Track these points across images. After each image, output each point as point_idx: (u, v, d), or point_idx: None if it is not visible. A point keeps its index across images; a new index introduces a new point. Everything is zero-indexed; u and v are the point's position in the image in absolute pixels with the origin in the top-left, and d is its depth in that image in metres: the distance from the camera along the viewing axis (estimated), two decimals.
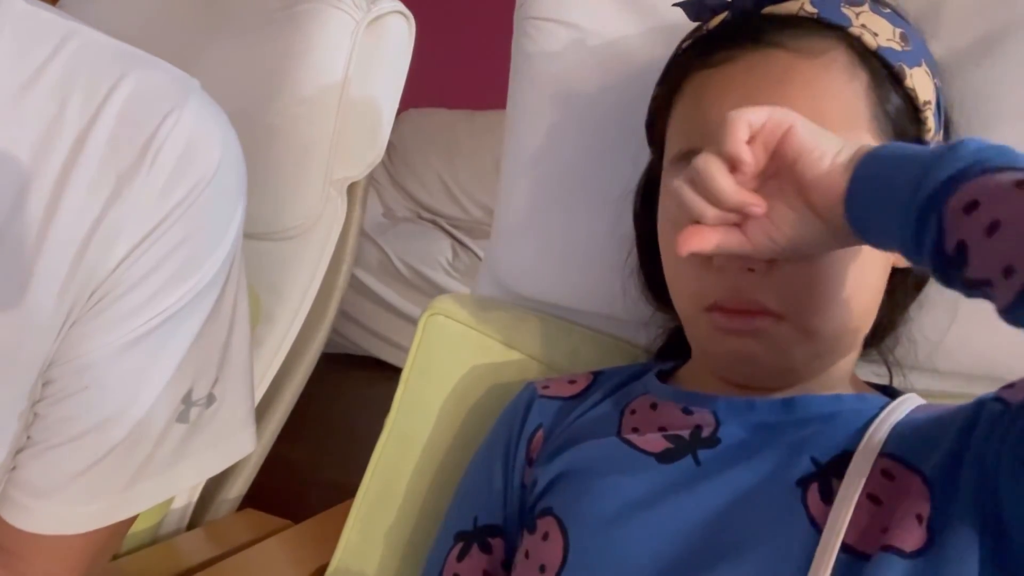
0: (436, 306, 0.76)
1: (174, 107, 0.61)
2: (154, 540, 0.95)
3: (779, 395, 0.56)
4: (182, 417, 0.67)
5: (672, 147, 0.60)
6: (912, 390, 0.58)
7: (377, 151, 1.03)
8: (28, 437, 0.63)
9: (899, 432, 0.51)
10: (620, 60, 0.74)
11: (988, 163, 0.40)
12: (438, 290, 2.13)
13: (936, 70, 0.59)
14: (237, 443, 0.74)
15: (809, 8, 0.56)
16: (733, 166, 0.47)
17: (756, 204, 0.46)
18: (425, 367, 0.75)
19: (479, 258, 2.24)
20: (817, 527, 0.48)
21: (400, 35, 1.03)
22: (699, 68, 0.58)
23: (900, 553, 0.46)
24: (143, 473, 0.66)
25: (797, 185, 0.46)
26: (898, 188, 0.42)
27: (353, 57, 0.97)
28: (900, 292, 0.60)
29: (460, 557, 0.62)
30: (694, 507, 0.52)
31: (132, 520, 0.69)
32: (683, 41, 0.63)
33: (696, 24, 0.63)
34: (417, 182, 2.65)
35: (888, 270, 0.57)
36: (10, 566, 0.65)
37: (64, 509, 0.64)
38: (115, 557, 0.83)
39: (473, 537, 0.62)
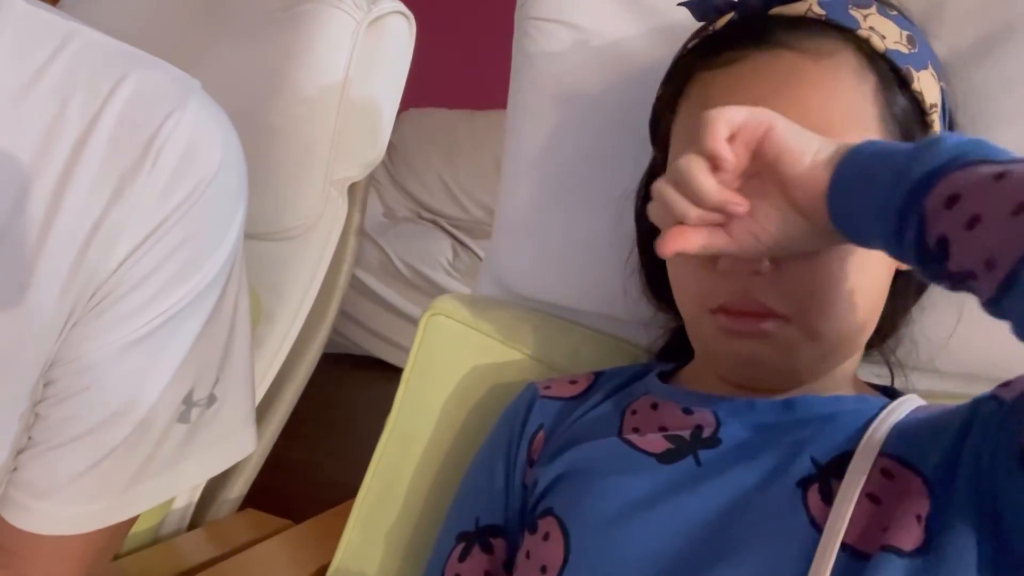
0: (437, 306, 0.76)
1: (175, 107, 0.61)
2: (155, 540, 0.95)
3: (780, 396, 0.56)
4: (183, 417, 0.67)
5: (677, 147, 0.59)
6: (913, 391, 0.58)
7: (378, 151, 1.03)
8: (29, 437, 0.63)
9: (899, 432, 0.51)
10: (621, 60, 0.74)
11: (967, 157, 0.40)
12: (439, 290, 2.13)
13: (942, 72, 0.59)
14: (238, 443, 0.74)
15: (817, 10, 0.56)
16: (715, 166, 0.47)
17: (738, 203, 0.47)
18: (426, 367, 0.75)
19: (479, 258, 2.24)
20: (817, 527, 0.48)
21: (401, 35, 1.03)
22: (705, 68, 0.58)
23: (899, 553, 0.46)
24: (144, 473, 0.66)
25: (779, 183, 0.46)
26: (879, 184, 0.42)
27: (354, 57, 0.97)
28: (902, 294, 0.60)
29: (462, 557, 0.62)
30: (695, 507, 0.52)
31: (133, 520, 0.69)
32: (688, 41, 0.62)
33: (700, 24, 0.63)
34: (418, 182, 2.65)
35: (892, 272, 0.57)
36: (11, 566, 0.65)
37: (65, 509, 0.64)
38: (116, 557, 0.83)
39: (475, 537, 0.62)
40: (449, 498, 0.67)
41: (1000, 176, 0.38)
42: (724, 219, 0.47)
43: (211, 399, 0.69)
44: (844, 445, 0.51)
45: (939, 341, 0.64)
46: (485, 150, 2.53)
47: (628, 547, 0.52)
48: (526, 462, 0.63)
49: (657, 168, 0.66)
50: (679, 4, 0.62)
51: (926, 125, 0.57)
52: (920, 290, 0.63)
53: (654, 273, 0.68)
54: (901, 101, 0.56)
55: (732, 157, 0.47)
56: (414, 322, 0.79)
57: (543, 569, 0.54)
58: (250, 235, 0.74)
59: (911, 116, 0.56)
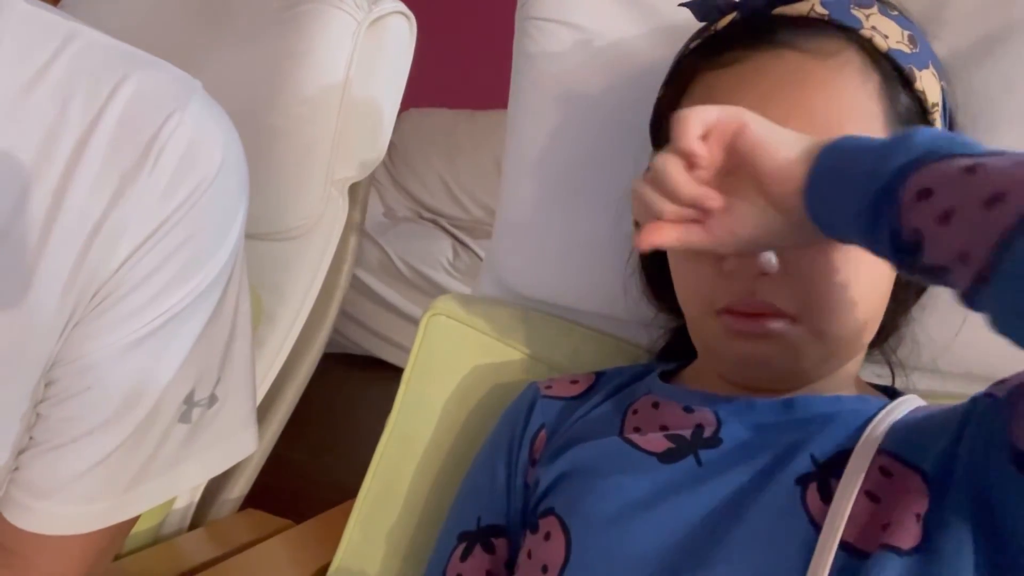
0: (437, 306, 0.76)
1: (176, 108, 0.61)
2: (156, 540, 0.95)
3: (780, 396, 0.56)
4: (184, 417, 0.67)
5: None
6: (914, 391, 0.58)
7: (378, 151, 1.03)
8: (30, 437, 0.63)
9: (897, 430, 0.51)
10: (622, 60, 0.74)
11: (940, 151, 0.40)
12: (439, 290, 2.13)
13: (943, 72, 0.59)
14: (239, 443, 0.74)
15: (820, 9, 0.56)
16: (691, 164, 0.48)
17: (710, 197, 0.47)
18: (426, 367, 0.75)
19: (480, 258, 2.24)
20: (816, 526, 0.48)
21: (401, 35, 1.03)
22: (708, 68, 0.58)
23: (898, 552, 0.46)
24: (145, 473, 0.66)
25: (755, 178, 0.46)
26: (854, 178, 0.42)
27: (354, 57, 0.97)
28: (903, 293, 0.60)
29: (463, 557, 0.62)
30: (695, 507, 0.52)
31: (134, 520, 0.69)
32: (690, 41, 0.62)
33: (702, 25, 0.63)
34: (418, 182, 2.65)
35: (894, 271, 0.57)
36: (12, 566, 0.65)
37: (66, 509, 0.64)
38: (117, 557, 0.83)
39: (476, 537, 0.62)
40: (450, 498, 0.67)
41: (972, 169, 0.38)
42: (700, 215, 0.48)
43: (212, 399, 0.69)
44: (843, 444, 0.51)
45: (941, 341, 0.64)
46: (486, 150, 2.52)
47: (629, 546, 0.52)
48: (527, 461, 0.63)
49: None
50: (680, 4, 0.62)
51: (928, 124, 0.57)
52: (921, 289, 0.63)
53: (654, 273, 0.68)
54: (904, 100, 0.56)
55: (706, 153, 0.47)
56: (415, 322, 0.79)
57: (544, 568, 0.54)
58: (251, 235, 0.74)
59: (914, 115, 0.56)
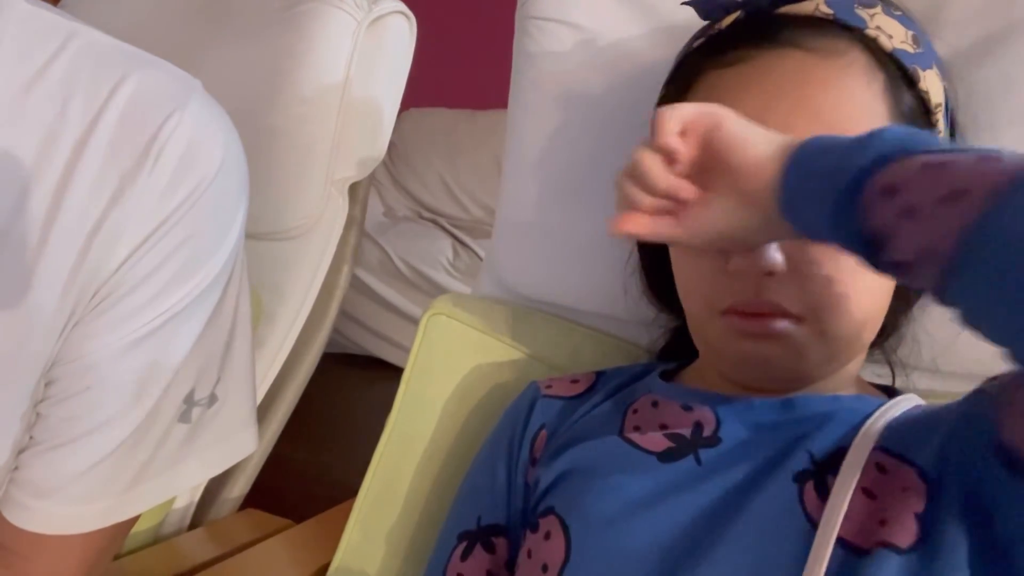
0: (437, 306, 0.76)
1: (176, 108, 0.61)
2: (156, 540, 0.95)
3: (779, 395, 0.56)
4: (184, 417, 0.67)
5: None
6: (915, 390, 0.58)
7: (378, 151, 1.03)
8: (30, 437, 0.63)
9: (893, 427, 0.51)
10: (622, 60, 0.74)
11: (906, 148, 0.41)
12: (439, 290, 2.13)
13: (945, 72, 0.59)
14: (239, 443, 0.74)
15: (825, 9, 0.56)
16: (669, 160, 0.49)
17: (684, 188, 0.49)
18: (426, 367, 0.75)
19: (480, 258, 2.23)
20: (813, 523, 0.48)
21: (401, 35, 1.03)
22: (712, 67, 0.58)
23: (896, 549, 0.46)
24: (145, 473, 0.66)
25: (729, 175, 0.47)
26: (822, 176, 0.43)
27: (354, 57, 0.97)
28: (903, 292, 0.60)
29: (464, 556, 0.62)
30: (695, 506, 0.52)
31: (134, 520, 0.69)
32: (693, 39, 0.62)
33: (703, 23, 0.62)
34: (418, 182, 2.65)
35: None
36: (12, 566, 0.65)
37: (66, 509, 0.64)
38: (117, 557, 0.83)
39: (477, 536, 0.62)
40: (450, 498, 0.67)
41: (936, 166, 0.39)
42: (676, 207, 0.49)
43: (212, 399, 0.69)
44: (840, 441, 0.51)
45: (942, 341, 0.64)
46: (486, 150, 2.52)
47: (629, 546, 0.52)
48: (528, 461, 0.63)
49: None
50: (683, 3, 0.62)
51: (931, 124, 0.57)
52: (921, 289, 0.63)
53: (655, 273, 0.68)
54: (908, 100, 0.56)
55: (683, 149, 0.48)
56: (415, 322, 0.79)
57: (544, 568, 0.54)
58: (251, 235, 0.74)
59: (918, 115, 0.56)
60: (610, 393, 0.64)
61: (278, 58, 0.98)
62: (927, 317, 0.64)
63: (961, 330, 0.56)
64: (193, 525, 1.00)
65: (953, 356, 0.65)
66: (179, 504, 0.98)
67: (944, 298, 0.38)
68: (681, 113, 0.49)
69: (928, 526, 0.46)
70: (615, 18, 0.75)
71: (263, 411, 1.02)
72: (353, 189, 1.04)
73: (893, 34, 0.56)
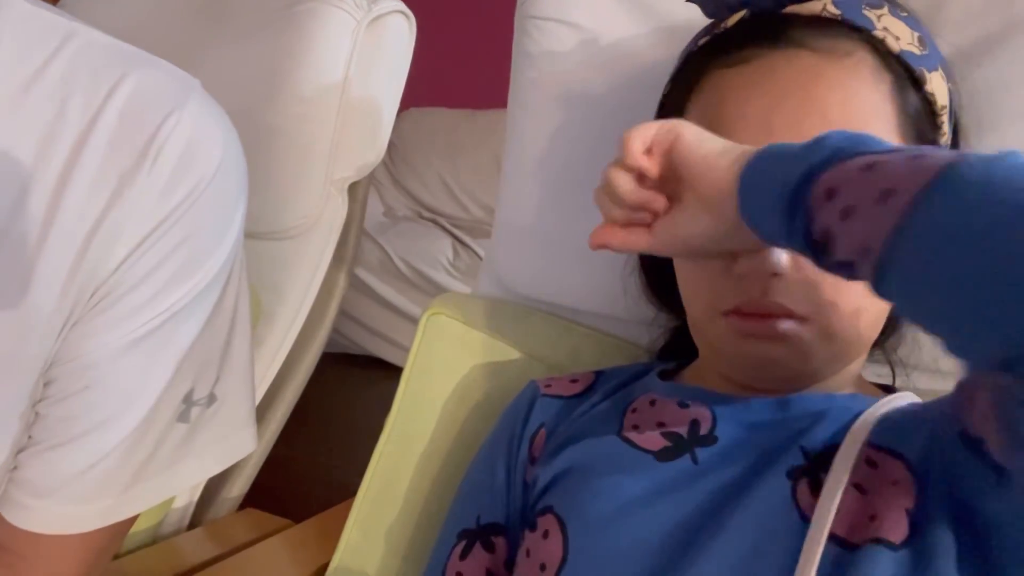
0: (437, 305, 0.76)
1: (175, 107, 0.61)
2: (155, 539, 0.95)
3: (778, 395, 0.56)
4: (183, 417, 0.67)
5: None
6: (915, 390, 0.58)
7: (378, 150, 1.03)
8: (29, 437, 0.63)
9: (884, 422, 0.51)
10: (621, 60, 0.74)
11: (848, 151, 0.42)
12: (439, 289, 2.13)
13: (950, 74, 0.59)
14: (238, 442, 0.74)
15: (832, 9, 0.56)
16: (640, 177, 0.52)
17: (654, 199, 0.51)
18: (426, 366, 0.75)
19: (480, 257, 2.24)
20: (806, 519, 0.48)
21: (401, 34, 1.03)
22: (718, 67, 0.57)
23: (889, 546, 0.46)
24: (144, 473, 0.66)
25: (691, 184, 0.49)
26: (773, 181, 0.44)
27: (354, 56, 0.97)
28: None
29: (463, 555, 0.62)
30: (691, 505, 0.52)
31: (133, 520, 0.69)
32: (698, 38, 0.62)
33: (706, 22, 0.62)
34: (418, 181, 2.65)
35: None
36: (11, 566, 0.65)
37: (65, 509, 0.64)
38: (116, 556, 0.83)
39: (476, 535, 0.62)
40: (449, 497, 0.67)
41: (870, 166, 0.40)
42: (650, 218, 0.52)
43: (211, 398, 0.69)
44: (833, 438, 0.52)
45: None
46: (486, 150, 2.52)
47: (626, 545, 0.52)
48: (527, 460, 0.63)
49: None
50: (688, 0, 0.62)
51: (936, 126, 0.57)
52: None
53: (654, 272, 0.68)
54: (914, 101, 0.56)
55: (650, 165, 0.51)
56: (414, 321, 0.79)
57: (542, 567, 0.54)
58: (250, 234, 0.74)
59: (923, 117, 0.56)
60: (609, 392, 0.64)
61: (277, 57, 0.98)
62: None
63: None
64: (192, 525, 1.00)
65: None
66: (178, 504, 0.98)
67: (879, 292, 0.40)
68: (644, 133, 0.51)
69: (918, 522, 0.46)
70: (615, 18, 0.75)
71: (262, 411, 1.02)
72: (352, 189, 1.04)
73: (900, 35, 0.56)
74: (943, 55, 0.60)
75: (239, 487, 1.04)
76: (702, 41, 0.61)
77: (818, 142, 0.43)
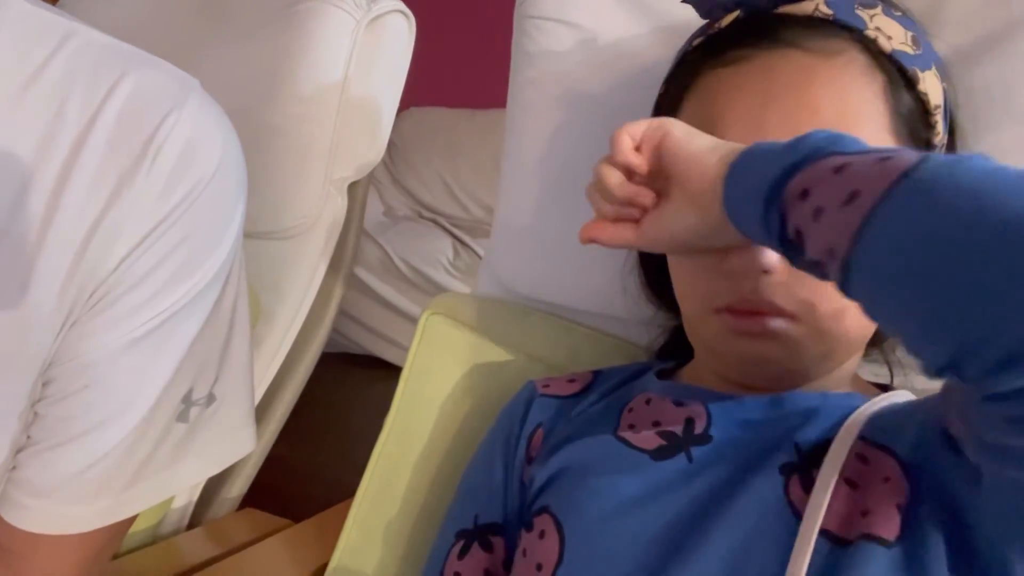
0: (436, 305, 0.76)
1: (174, 107, 0.61)
2: (154, 539, 0.95)
3: (772, 393, 0.56)
4: (182, 417, 0.67)
5: None
6: (913, 389, 0.58)
7: (377, 150, 1.03)
8: (28, 437, 0.63)
9: (876, 418, 0.52)
10: (620, 59, 0.74)
11: (823, 151, 0.42)
12: (439, 289, 2.13)
13: (945, 73, 0.59)
14: (237, 442, 0.74)
15: (824, 9, 0.56)
16: (630, 174, 0.53)
17: (643, 194, 0.53)
18: (425, 366, 0.75)
19: (480, 257, 2.24)
20: (798, 515, 0.48)
21: (400, 34, 1.03)
22: (712, 67, 0.58)
23: (883, 543, 0.46)
24: (143, 473, 0.66)
25: (678, 180, 0.50)
26: (754, 180, 0.44)
27: (353, 56, 0.97)
28: None
29: (461, 555, 0.62)
30: (686, 503, 0.52)
31: (132, 520, 0.69)
32: (693, 38, 0.62)
33: (703, 22, 0.62)
34: (418, 181, 2.65)
35: None
36: (10, 565, 0.65)
37: (64, 509, 0.64)
38: (115, 556, 0.83)
39: (474, 535, 0.62)
40: (448, 497, 0.67)
41: (840, 168, 0.40)
42: (639, 214, 0.53)
43: (210, 398, 0.69)
44: (826, 434, 0.52)
45: None
46: (485, 149, 2.52)
47: (622, 545, 0.52)
48: (524, 460, 0.63)
49: None
50: (683, 1, 0.62)
51: (930, 126, 0.57)
52: None
53: (652, 271, 0.69)
54: (907, 101, 0.56)
55: (640, 162, 0.53)
56: (414, 321, 0.79)
57: (539, 567, 0.54)
58: (249, 234, 0.74)
59: (916, 116, 0.56)
60: (606, 392, 0.64)
61: (277, 57, 0.98)
62: None
63: None
64: (192, 525, 1.00)
65: None
66: (177, 504, 0.98)
67: (848, 294, 0.40)
68: (633, 130, 0.53)
69: (911, 518, 0.46)
70: (614, 17, 0.75)
71: (262, 410, 1.02)
72: (352, 188, 1.04)
73: (893, 35, 0.56)
74: (940, 54, 0.60)
75: (238, 487, 1.04)
76: (696, 41, 0.61)
77: (799, 141, 0.44)
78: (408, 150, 2.68)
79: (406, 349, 0.76)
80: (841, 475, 0.48)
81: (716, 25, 0.60)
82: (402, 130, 2.64)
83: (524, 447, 0.63)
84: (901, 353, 0.65)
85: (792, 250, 0.43)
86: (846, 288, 0.40)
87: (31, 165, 0.58)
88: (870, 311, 0.39)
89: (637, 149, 0.53)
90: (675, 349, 0.68)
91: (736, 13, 0.59)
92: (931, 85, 0.57)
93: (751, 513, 0.50)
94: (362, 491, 0.75)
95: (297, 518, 0.96)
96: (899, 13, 0.58)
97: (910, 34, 0.57)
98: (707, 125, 0.56)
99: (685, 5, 0.62)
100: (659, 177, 0.52)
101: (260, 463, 1.05)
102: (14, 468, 0.64)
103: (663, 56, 0.65)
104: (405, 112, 2.70)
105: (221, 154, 0.63)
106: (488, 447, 0.66)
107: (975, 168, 0.36)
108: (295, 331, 1.03)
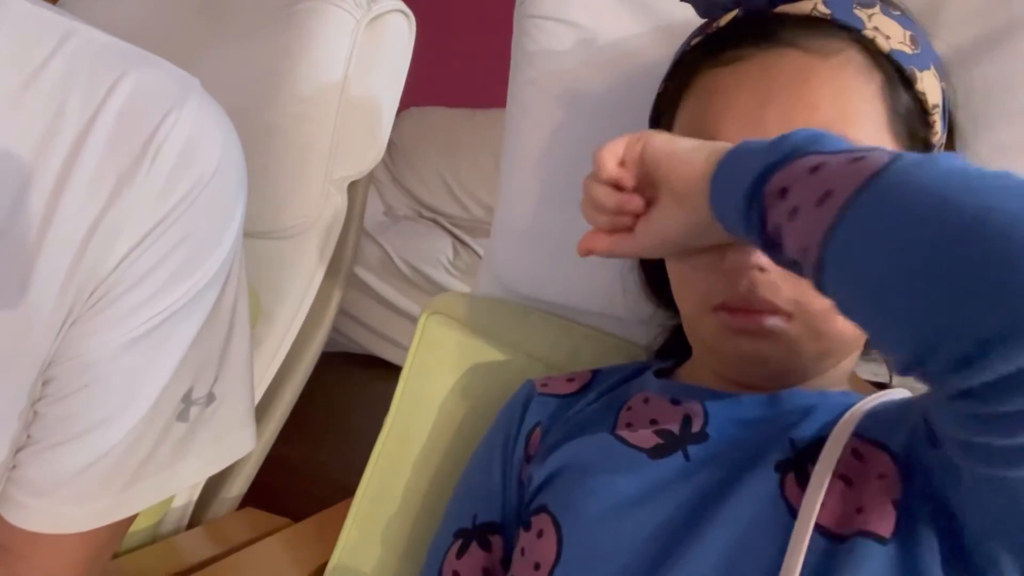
0: (436, 305, 0.76)
1: (174, 106, 0.61)
2: (154, 539, 0.95)
3: (770, 391, 0.56)
4: (182, 416, 0.67)
5: None
6: (911, 389, 0.58)
7: (377, 149, 1.03)
8: (28, 436, 0.63)
9: (871, 415, 0.52)
10: (620, 59, 0.74)
11: (803, 149, 0.42)
12: (439, 288, 2.13)
13: (944, 73, 0.59)
14: (237, 442, 0.74)
15: (822, 9, 0.56)
16: (617, 188, 0.55)
17: (631, 201, 0.54)
18: (425, 365, 0.75)
19: (480, 257, 2.23)
20: (794, 512, 0.48)
21: (400, 33, 1.03)
22: (710, 66, 0.58)
23: (879, 539, 0.46)
24: (143, 472, 0.66)
25: (665, 184, 0.51)
26: (738, 179, 0.45)
27: (353, 55, 0.97)
28: None
29: (459, 554, 0.62)
30: (684, 502, 0.52)
31: (132, 519, 0.69)
32: (691, 37, 0.62)
33: (701, 22, 0.62)
34: (418, 180, 2.65)
35: None
36: (10, 565, 0.65)
37: (64, 508, 0.64)
38: (115, 556, 0.83)
39: (472, 534, 0.62)
40: (447, 496, 0.68)
41: (816, 168, 0.41)
42: (631, 222, 0.54)
43: (210, 397, 0.69)
44: (821, 431, 0.52)
45: None
46: (486, 149, 2.52)
47: (619, 544, 0.52)
48: (523, 459, 0.63)
49: None
50: (682, 0, 0.62)
51: (928, 125, 0.57)
52: None
53: (652, 270, 0.69)
54: (905, 101, 0.56)
55: (626, 175, 0.54)
56: (414, 320, 0.79)
57: (536, 566, 0.54)
58: (249, 233, 0.74)
59: (914, 116, 0.56)
60: (605, 391, 0.64)
61: (277, 56, 0.98)
62: None
63: None
64: (191, 524, 1.00)
65: None
66: (177, 503, 0.98)
67: (823, 293, 0.40)
68: (615, 147, 0.54)
69: (906, 515, 0.47)
70: (613, 17, 0.75)
71: (261, 410, 1.02)
72: (352, 188, 1.04)
73: (891, 35, 0.56)
74: (939, 54, 0.60)
75: (238, 486, 1.04)
76: (695, 40, 0.62)
77: (781, 140, 0.44)
78: (408, 150, 2.67)
79: (406, 349, 0.76)
80: (836, 472, 0.49)
81: (715, 24, 0.61)
82: (402, 130, 2.64)
83: (522, 446, 0.63)
84: None
85: (773, 248, 0.43)
86: (820, 286, 0.40)
87: (31, 164, 0.58)
88: (843, 309, 0.40)
89: (621, 164, 0.54)
90: (675, 348, 0.68)
91: (735, 12, 0.59)
92: (929, 85, 0.57)
93: (747, 510, 0.50)
94: (362, 490, 0.75)
95: (297, 517, 0.96)
96: (898, 12, 0.58)
97: (908, 33, 0.57)
98: (706, 124, 0.56)
99: (685, 5, 0.62)
100: (646, 187, 0.54)
101: (260, 462, 1.05)
102: (14, 467, 0.64)
103: (663, 56, 0.65)
104: (405, 112, 2.70)
105: (221, 153, 0.63)
106: (487, 446, 0.66)
107: (940, 168, 0.36)
108: (295, 331, 1.03)
